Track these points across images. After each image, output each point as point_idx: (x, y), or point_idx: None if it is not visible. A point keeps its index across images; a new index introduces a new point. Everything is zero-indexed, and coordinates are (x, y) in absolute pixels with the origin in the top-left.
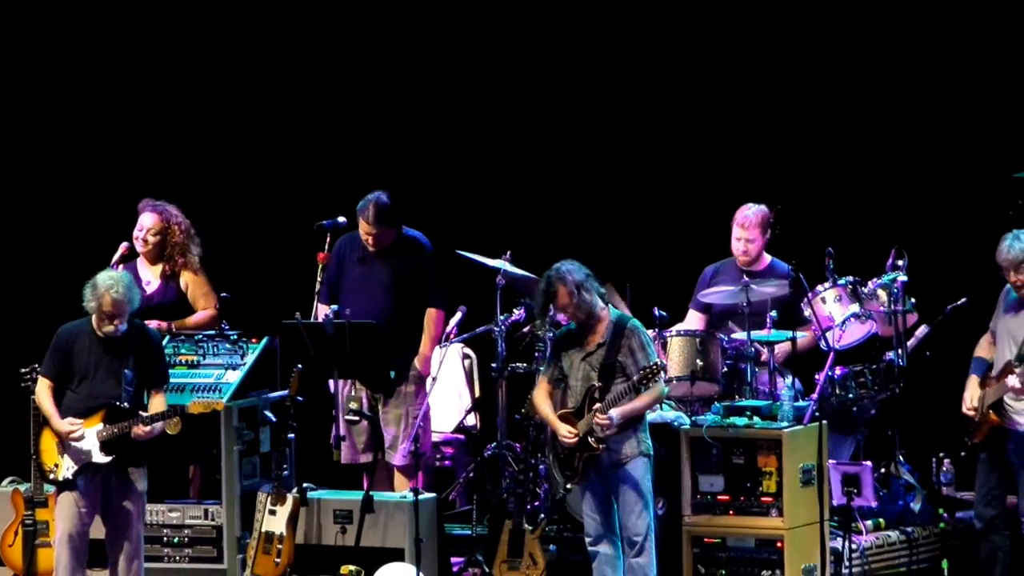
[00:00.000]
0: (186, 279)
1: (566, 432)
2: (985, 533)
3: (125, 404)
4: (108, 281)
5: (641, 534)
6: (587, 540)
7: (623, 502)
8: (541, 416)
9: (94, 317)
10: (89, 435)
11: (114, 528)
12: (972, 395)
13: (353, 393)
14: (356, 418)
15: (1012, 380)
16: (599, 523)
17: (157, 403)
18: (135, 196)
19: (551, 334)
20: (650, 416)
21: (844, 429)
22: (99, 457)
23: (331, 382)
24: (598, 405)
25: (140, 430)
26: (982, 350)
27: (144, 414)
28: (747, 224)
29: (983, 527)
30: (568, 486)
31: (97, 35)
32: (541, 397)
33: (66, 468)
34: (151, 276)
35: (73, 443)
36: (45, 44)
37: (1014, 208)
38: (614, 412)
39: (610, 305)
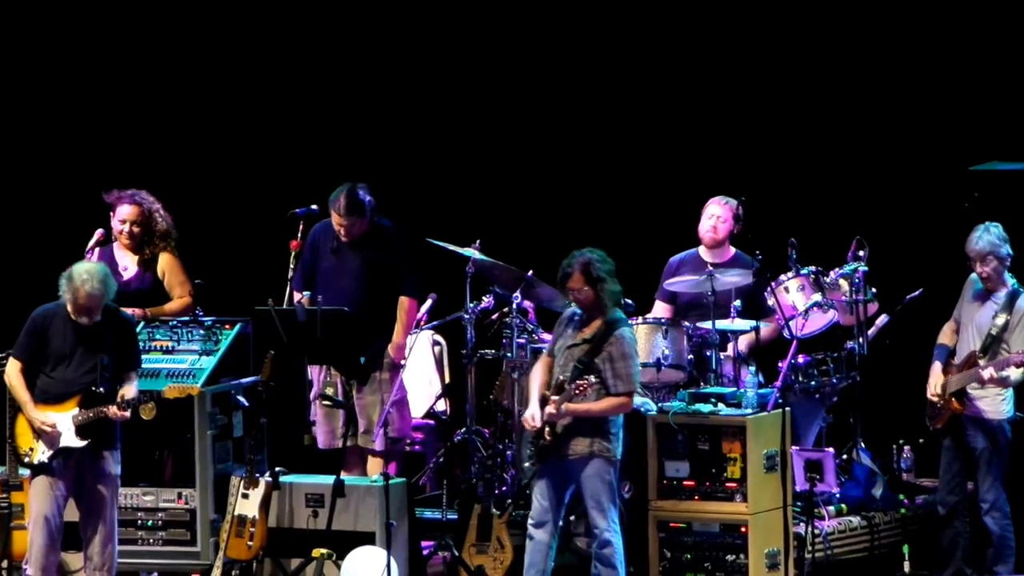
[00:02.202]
0: (163, 266)
1: (528, 416)
2: (948, 520)
3: (101, 389)
4: (83, 275)
5: (599, 527)
6: (530, 521)
7: (582, 496)
8: (527, 386)
9: (69, 306)
10: (64, 419)
11: (88, 512)
12: (936, 381)
13: (328, 379)
14: (330, 404)
15: (987, 371)
16: (545, 508)
17: (130, 387)
18: (108, 182)
19: (518, 320)
20: None
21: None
22: (74, 441)
23: (311, 368)
24: (554, 398)
25: (117, 411)
26: (945, 337)
27: (121, 398)
28: (724, 204)
29: (946, 514)
30: (527, 464)
31: (71, 22)
32: (539, 369)
33: (41, 452)
34: (128, 263)
35: (47, 430)
36: (18, 31)
37: (970, 200)
38: (564, 408)
39: (616, 308)
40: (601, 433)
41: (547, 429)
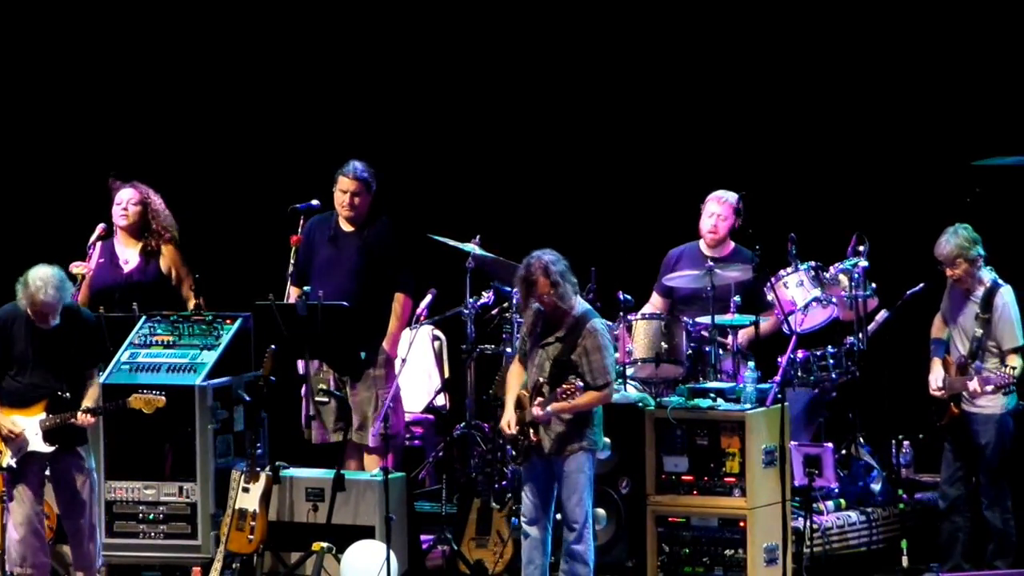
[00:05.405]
0: (169, 261)
1: (504, 424)
2: (947, 513)
3: (67, 394)
4: (37, 282)
5: (579, 522)
6: (523, 519)
7: (563, 490)
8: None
9: (27, 309)
10: (32, 424)
11: (66, 511)
12: (937, 376)
13: (321, 374)
14: (326, 399)
15: (973, 383)
16: (536, 506)
17: (93, 386)
18: (106, 177)
19: (518, 315)
20: (615, 397)
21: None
22: (41, 446)
23: (300, 363)
24: (539, 399)
25: (84, 419)
26: (937, 331)
27: (86, 405)
28: (723, 202)
29: (946, 507)
30: (512, 465)
31: (71, 19)
32: (513, 375)
33: (9, 456)
34: (130, 255)
35: (13, 436)
36: (18, 27)
37: (972, 195)
38: (550, 408)
39: (580, 298)
40: (585, 426)
41: (531, 431)
